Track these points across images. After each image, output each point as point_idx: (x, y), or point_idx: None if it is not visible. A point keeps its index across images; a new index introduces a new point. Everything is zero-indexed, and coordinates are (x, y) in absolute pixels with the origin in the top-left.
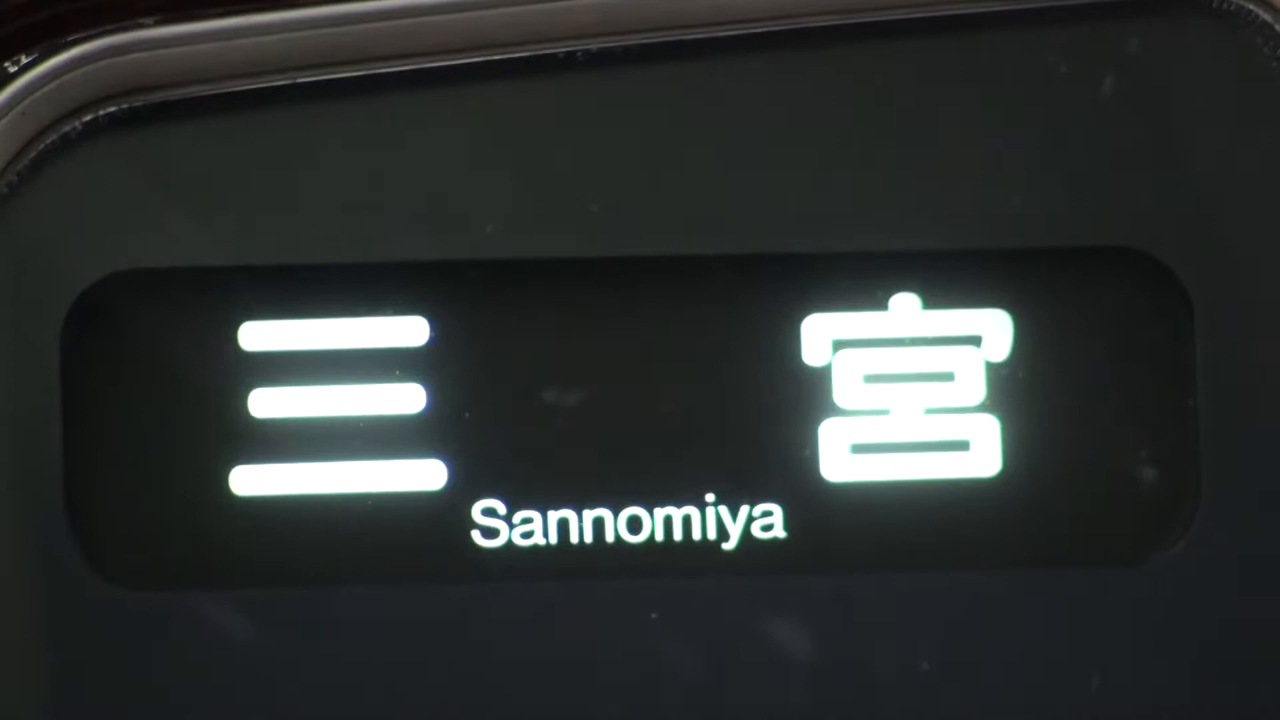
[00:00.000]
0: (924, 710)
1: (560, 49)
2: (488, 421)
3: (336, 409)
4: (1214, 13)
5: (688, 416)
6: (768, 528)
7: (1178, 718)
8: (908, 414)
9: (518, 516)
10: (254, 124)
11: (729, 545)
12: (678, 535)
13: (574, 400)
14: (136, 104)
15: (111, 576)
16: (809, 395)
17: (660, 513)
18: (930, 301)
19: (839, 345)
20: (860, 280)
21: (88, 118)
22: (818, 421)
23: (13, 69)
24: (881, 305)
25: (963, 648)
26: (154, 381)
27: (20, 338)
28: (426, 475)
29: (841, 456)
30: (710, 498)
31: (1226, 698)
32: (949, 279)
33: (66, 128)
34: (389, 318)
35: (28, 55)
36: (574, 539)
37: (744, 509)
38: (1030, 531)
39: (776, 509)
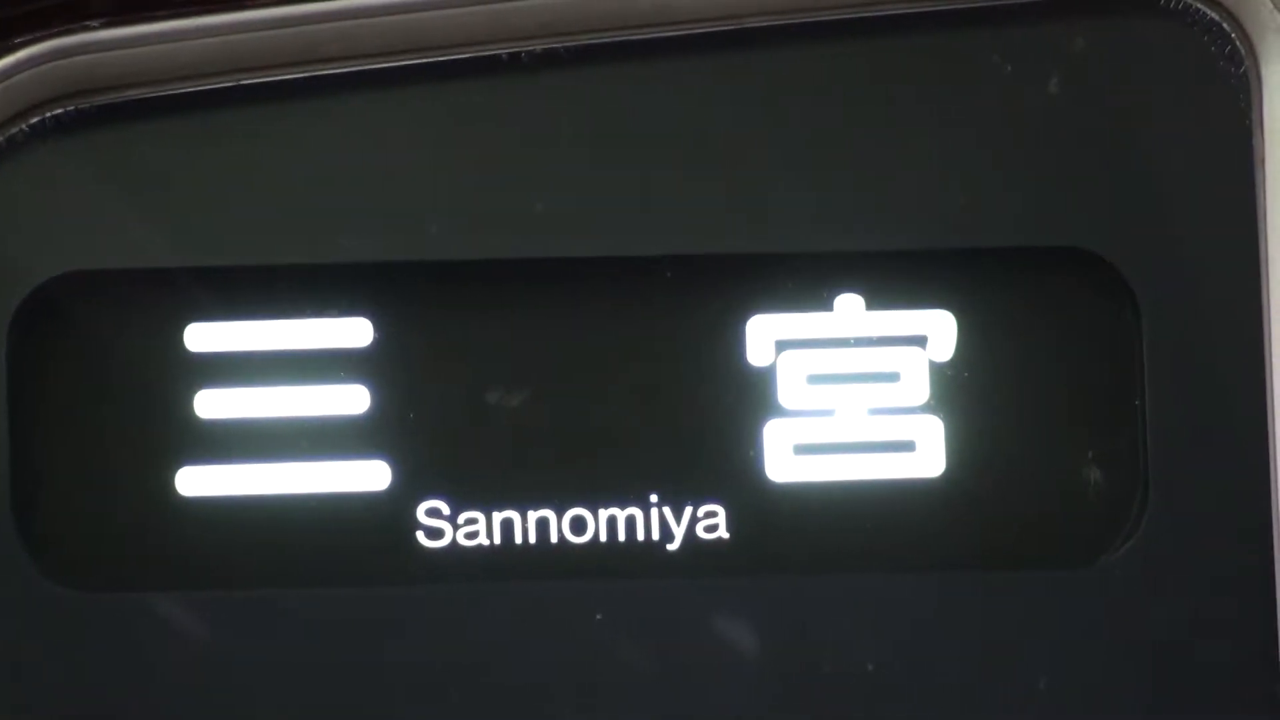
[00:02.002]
0: (867, 711)
1: (503, 50)
2: (432, 422)
3: (282, 410)
4: (1163, 12)
5: (631, 417)
6: (711, 528)
7: (1124, 717)
8: (852, 415)
9: (462, 517)
10: (200, 126)
11: (672, 546)
12: (621, 536)
13: (518, 401)
14: (84, 106)
15: (57, 577)
16: (753, 396)
17: (604, 513)
18: (874, 302)
19: (783, 346)
20: (804, 281)
21: (35, 120)
22: (761, 422)
23: None
24: (826, 306)
25: (907, 649)
26: (100, 382)
27: None
28: (371, 476)
29: (785, 457)
30: (654, 498)
31: (1174, 698)
32: (893, 279)
33: (13, 130)
34: (334, 319)
35: None
36: (518, 540)
37: (687, 510)
38: (975, 533)
39: (720, 510)
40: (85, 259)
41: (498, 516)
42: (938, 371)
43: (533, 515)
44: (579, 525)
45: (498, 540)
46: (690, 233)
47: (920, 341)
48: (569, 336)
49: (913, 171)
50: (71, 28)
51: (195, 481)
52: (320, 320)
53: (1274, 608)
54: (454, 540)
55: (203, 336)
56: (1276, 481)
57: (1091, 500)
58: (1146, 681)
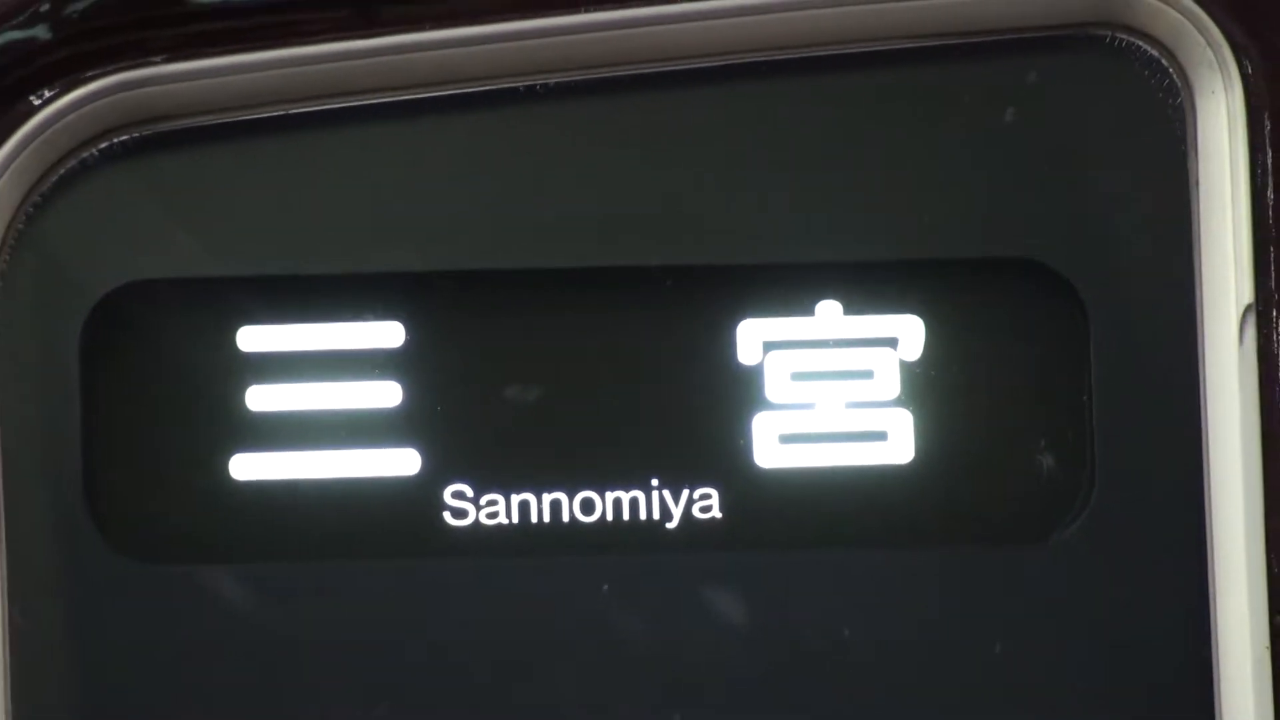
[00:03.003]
0: (845, 672)
1: (522, 83)
2: (457, 414)
3: (323, 403)
4: (1109, 50)
5: (635, 409)
6: (706, 509)
7: (1074, 678)
8: (831, 408)
9: (484, 499)
10: (250, 150)
11: (671, 524)
12: (626, 515)
13: (534, 395)
14: (146, 133)
15: (123, 550)
16: (743, 391)
17: (610, 495)
18: (851, 308)
19: (769, 347)
20: (789, 289)
21: (103, 145)
22: (751, 414)
23: (37, 102)
24: (808, 311)
25: (880, 617)
26: (162, 379)
27: (44, 341)
28: (402, 462)
29: (772, 445)
30: (655, 482)
31: (1119, 662)
32: (868, 287)
33: (84, 154)
34: (369, 323)
35: (50, 90)
36: (534, 519)
37: (685, 492)
38: (941, 513)
39: (714, 492)
40: (149, 270)
41: (516, 498)
42: (907, 370)
43: (547, 497)
44: (588, 506)
45: (516, 519)
46: (687, 246)
47: (891, 343)
48: (579, 338)
49: (885, 192)
50: (137, 63)
51: (246, 466)
52: (357, 324)
53: (1205, 579)
54: (477, 519)
55: (253, 338)
56: (1208, 468)
57: (1044, 484)
58: (1091, 642)
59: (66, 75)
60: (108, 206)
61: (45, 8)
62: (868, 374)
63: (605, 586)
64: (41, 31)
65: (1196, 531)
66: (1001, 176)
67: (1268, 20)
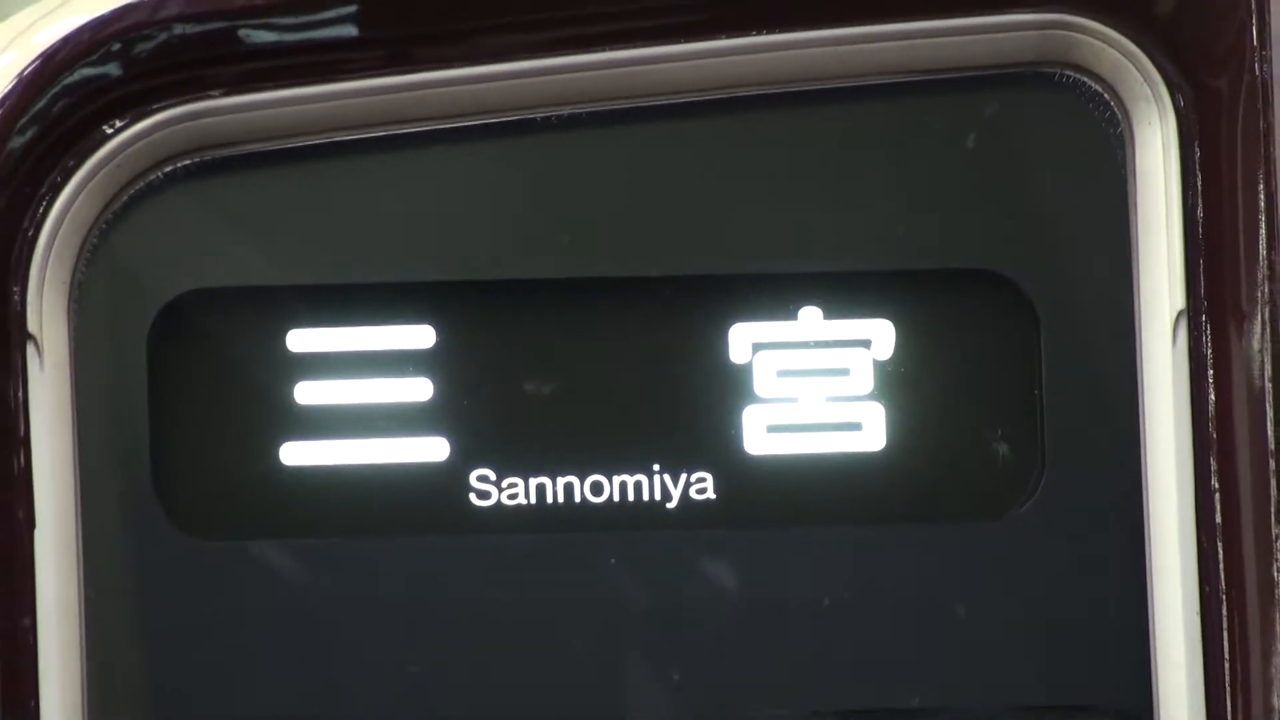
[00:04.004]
0: (825, 637)
1: (539, 114)
2: (482, 407)
3: (363, 397)
4: (1057, 85)
5: (638, 403)
6: (701, 491)
7: (1025, 640)
8: (812, 401)
9: (505, 482)
10: (298, 174)
11: (671, 505)
12: (630, 497)
13: (550, 390)
14: (205, 158)
15: (185, 528)
16: (734, 386)
17: (617, 479)
18: (830, 313)
19: (758, 347)
20: (775, 296)
21: (167, 169)
22: (741, 407)
23: (109, 131)
24: (792, 316)
25: (856, 587)
26: (220, 376)
27: (116, 341)
28: (433, 449)
29: (760, 434)
30: (656, 467)
31: (1066, 625)
32: (845, 295)
33: (151, 177)
34: (404, 326)
35: (120, 121)
36: (549, 499)
37: (683, 476)
38: (909, 494)
39: (709, 476)
40: (208, 279)
41: (533, 481)
42: (879, 368)
43: (561, 480)
44: (597, 488)
45: (533, 500)
46: (686, 259)
47: (866, 344)
48: (590, 339)
49: (860, 211)
50: (197, 97)
51: (294, 453)
52: (393, 327)
53: (1143, 553)
54: (499, 500)
55: (301, 340)
56: (1145, 454)
57: (1000, 468)
58: (1042, 608)
59: (135, 108)
60: (172, 223)
61: (116, 47)
62: (844, 371)
63: (612, 560)
64: (113, 69)
65: (1135, 511)
66: (962, 197)
67: (1198, 61)
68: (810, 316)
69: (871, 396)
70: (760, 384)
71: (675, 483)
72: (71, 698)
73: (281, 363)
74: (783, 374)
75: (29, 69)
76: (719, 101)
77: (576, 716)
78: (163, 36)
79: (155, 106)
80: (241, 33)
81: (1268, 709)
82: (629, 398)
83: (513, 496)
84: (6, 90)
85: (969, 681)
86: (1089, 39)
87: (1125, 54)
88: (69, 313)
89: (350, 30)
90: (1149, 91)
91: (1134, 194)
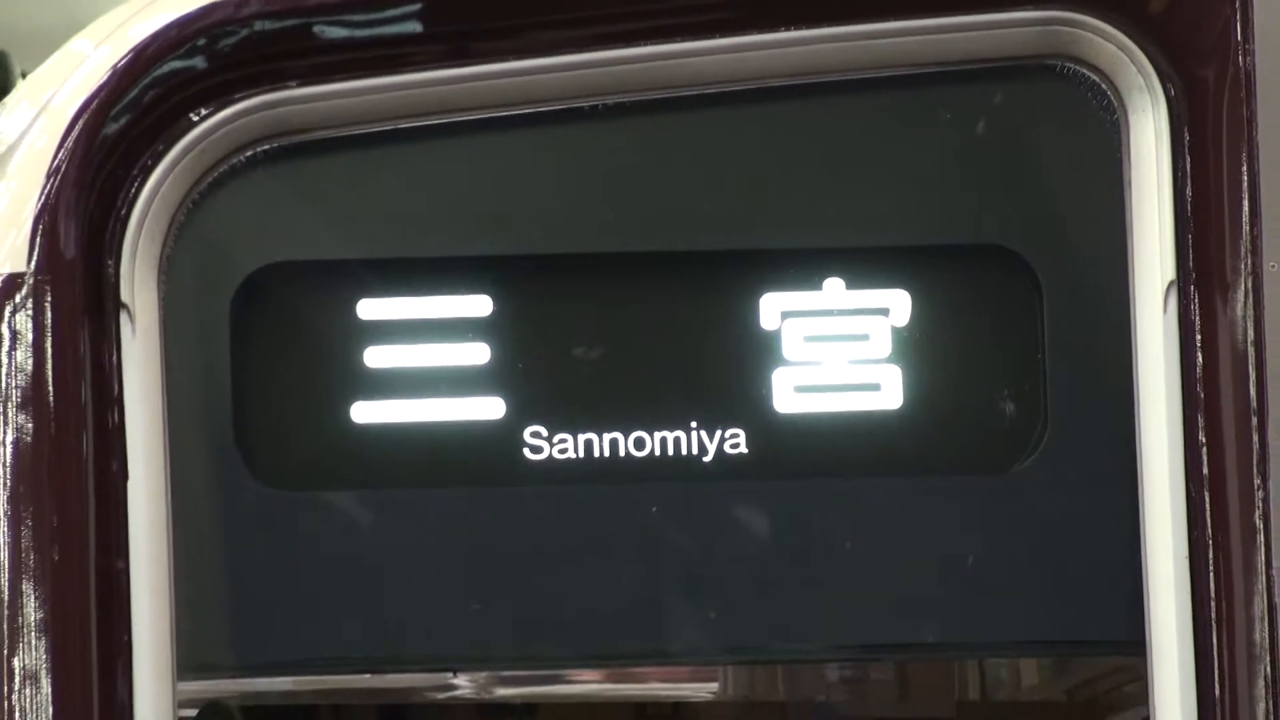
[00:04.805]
0: (846, 578)
1: (585, 103)
2: (535, 369)
3: (426, 361)
4: (1059, 75)
5: (678, 366)
6: (735, 445)
7: (1030, 579)
8: (835, 364)
9: (556, 438)
10: (367, 157)
11: (707, 458)
12: (670, 451)
13: (596, 354)
14: (283, 143)
15: (265, 479)
16: (765, 351)
17: (658, 435)
18: (852, 284)
19: (786, 315)
20: (802, 269)
21: (248, 153)
22: (772, 369)
23: (195, 119)
24: (817, 287)
25: (874, 533)
26: (296, 342)
27: (202, 311)
28: (490, 408)
29: (789, 394)
30: (694, 424)
31: (1070, 571)
32: (865, 268)
33: (233, 160)
34: (464, 296)
35: (205, 109)
36: (596, 454)
37: (718, 432)
38: (924, 448)
39: (741, 432)
40: (285, 253)
41: (581, 437)
42: (897, 334)
43: (606, 436)
44: (640, 443)
45: (581, 454)
46: (720, 235)
47: (884, 312)
48: (633, 308)
49: (879, 191)
50: (275, 88)
51: (365, 411)
52: (453, 297)
53: (1137, 501)
54: (550, 454)
55: (370, 308)
56: (1139, 413)
57: (1007, 426)
58: (1044, 554)
59: (218, 97)
60: (252, 203)
61: (201, 42)
62: (865, 337)
63: (654, 508)
64: (198, 62)
65: (1129, 464)
66: (974, 178)
67: (1187, 54)
68: (834, 287)
69: (889, 360)
70: (788, 348)
71: (711, 438)
72: (161, 632)
73: (352, 329)
74: (809, 339)
75: (122, 62)
76: (749, 92)
77: (618, 648)
78: (243, 32)
79: (236, 96)
80: (315, 29)
81: (1250, 644)
82: (669, 361)
83: (563, 451)
84: (102, 82)
85: (977, 619)
86: (1088, 34)
87: (1121, 48)
88: (158, 284)
89: (413, 27)
90: (1143, 82)
91: (1128, 175)
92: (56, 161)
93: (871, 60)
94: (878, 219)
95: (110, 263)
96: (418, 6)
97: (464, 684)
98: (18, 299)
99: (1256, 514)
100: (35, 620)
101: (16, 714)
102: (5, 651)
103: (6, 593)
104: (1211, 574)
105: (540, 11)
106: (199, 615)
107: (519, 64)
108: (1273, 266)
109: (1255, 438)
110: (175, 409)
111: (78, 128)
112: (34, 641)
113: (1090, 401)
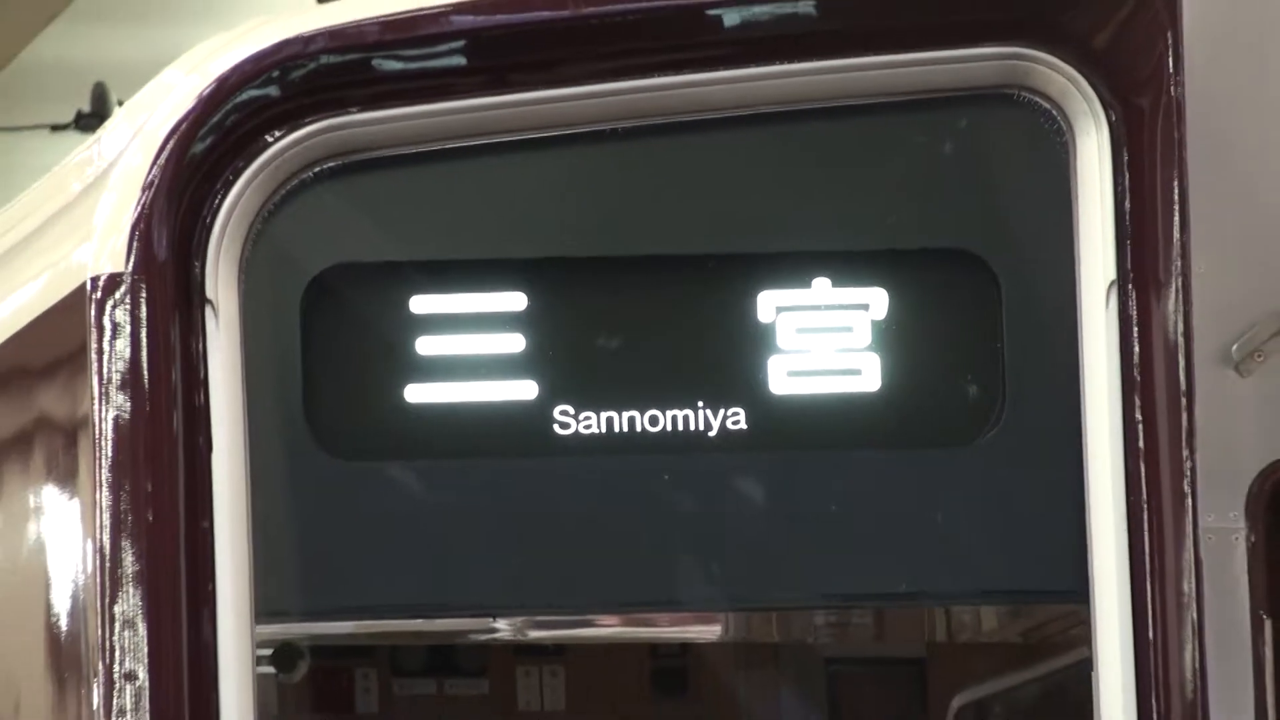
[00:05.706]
0: (832, 537)
1: (608, 126)
2: (563, 357)
3: (471, 350)
4: (1015, 103)
5: (687, 354)
6: (736, 422)
7: (990, 541)
8: (823, 352)
9: (581, 415)
10: (419, 173)
11: (712, 434)
12: (680, 427)
13: (617, 345)
14: (346, 161)
15: (331, 451)
16: (762, 340)
17: (670, 413)
18: (837, 282)
19: (780, 309)
20: (794, 270)
21: (315, 170)
22: (768, 356)
23: (270, 140)
24: (807, 285)
25: (856, 498)
26: (358, 332)
27: (277, 306)
28: (524, 390)
29: (783, 378)
30: (700, 404)
31: (1026, 530)
32: (848, 269)
33: (302, 176)
34: (502, 293)
35: (279, 132)
36: (617, 430)
37: (721, 411)
38: (899, 423)
39: (742, 411)
40: (348, 255)
41: (604, 415)
42: (876, 326)
43: (625, 414)
44: (654, 420)
45: (603, 430)
46: (723, 240)
47: (865, 307)
48: (650, 303)
49: (860, 203)
50: (339, 113)
51: (417, 393)
52: (493, 294)
53: (1082, 471)
54: (576, 430)
55: (422, 304)
56: (1084, 395)
57: (971, 405)
58: (1003, 516)
59: (290, 122)
60: (319, 212)
61: (275, 74)
62: (848, 329)
63: (666, 476)
64: (273, 91)
65: (1076, 439)
66: (941, 191)
67: (1126, 85)
68: (821, 285)
69: (869, 348)
70: (782, 338)
71: (715, 416)
72: (241, 583)
73: (405, 321)
74: (800, 330)
75: (207, 91)
76: (749, 117)
77: (635, 599)
78: (311, 65)
79: (305, 120)
80: (373, 63)
81: (1179, 593)
82: (679, 349)
83: (587, 427)
84: (189, 108)
85: (945, 573)
86: (1041, 68)
87: (1069, 79)
88: (238, 282)
89: (458, 61)
90: (1088, 108)
91: (1075, 189)
92: (150, 177)
93: (856, 90)
94: (860, 227)
95: (197, 264)
96: (461, 44)
97: (503, 627)
98: (117, 295)
99: (1185, 481)
100: (133, 572)
101: (117, 653)
102: (107, 599)
103: (108, 548)
104: (1146, 532)
105: (567, 48)
106: (273, 568)
107: (548, 93)
108: (1200, 269)
109: (1184, 416)
110: (253, 390)
111: (168, 148)
112: (131, 590)
113: (1042, 384)
